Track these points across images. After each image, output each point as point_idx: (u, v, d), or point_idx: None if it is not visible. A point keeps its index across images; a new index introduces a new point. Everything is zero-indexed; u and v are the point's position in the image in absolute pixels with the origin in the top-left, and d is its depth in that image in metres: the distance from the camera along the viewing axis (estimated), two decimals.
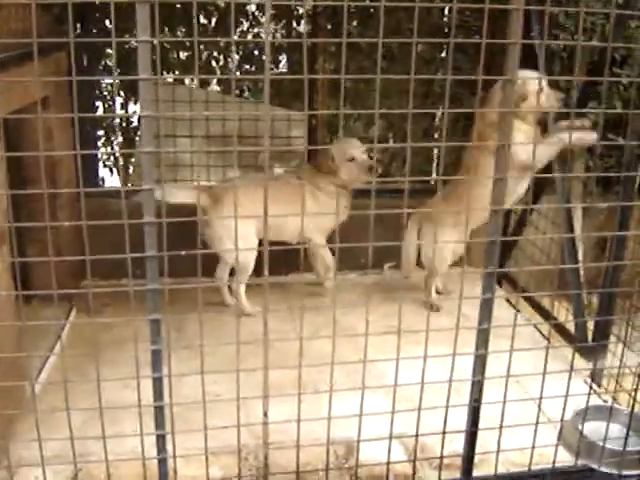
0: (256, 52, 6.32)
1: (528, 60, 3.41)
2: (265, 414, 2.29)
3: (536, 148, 3.81)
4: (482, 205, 2.73)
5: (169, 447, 2.30)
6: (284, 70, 6.69)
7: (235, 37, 6.04)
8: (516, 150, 3.15)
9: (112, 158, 6.79)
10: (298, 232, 4.49)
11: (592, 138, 4.09)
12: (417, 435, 2.56)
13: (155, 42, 1.82)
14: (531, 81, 4.00)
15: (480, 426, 2.56)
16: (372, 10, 5.75)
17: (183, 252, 1.82)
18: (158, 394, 2.14)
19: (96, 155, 6.00)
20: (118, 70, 4.51)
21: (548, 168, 4.25)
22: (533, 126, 4.21)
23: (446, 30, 5.82)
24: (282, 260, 2.08)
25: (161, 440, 2.24)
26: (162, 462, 2.31)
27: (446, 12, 5.85)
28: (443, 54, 5.92)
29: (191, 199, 4.17)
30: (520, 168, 3.87)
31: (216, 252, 4.53)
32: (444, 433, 2.54)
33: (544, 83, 4.07)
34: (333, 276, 4.90)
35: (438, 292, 4.97)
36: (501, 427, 2.56)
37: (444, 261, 4.73)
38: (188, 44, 6.10)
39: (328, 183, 4.72)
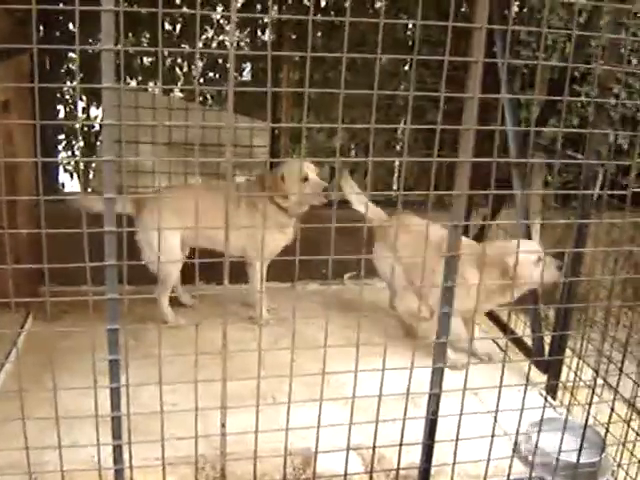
0: (220, 60, 6.32)
1: (489, 75, 3.43)
2: (223, 425, 2.28)
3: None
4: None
5: (126, 457, 2.28)
6: (248, 78, 6.70)
7: (200, 44, 6.04)
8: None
9: (72, 163, 6.72)
10: (232, 246, 4.32)
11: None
12: (374, 447, 2.57)
13: (120, 50, 1.81)
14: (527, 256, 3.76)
15: (437, 438, 2.58)
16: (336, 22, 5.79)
17: (143, 262, 1.81)
18: (115, 404, 2.12)
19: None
20: (81, 76, 4.47)
21: (507, 182, 4.30)
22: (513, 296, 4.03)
23: (410, 43, 5.87)
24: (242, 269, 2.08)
25: (118, 450, 2.22)
26: (119, 472, 2.29)
27: (410, 26, 5.92)
28: (406, 67, 5.97)
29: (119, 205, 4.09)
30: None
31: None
32: (401, 445, 2.56)
33: (542, 255, 3.84)
34: (258, 301, 4.55)
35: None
36: (457, 439, 2.58)
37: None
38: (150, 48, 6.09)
39: (269, 203, 4.52)
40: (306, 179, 4.42)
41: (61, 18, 5.56)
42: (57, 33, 5.64)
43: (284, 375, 2.30)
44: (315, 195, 4.37)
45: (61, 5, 5.24)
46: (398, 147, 6.23)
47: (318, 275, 5.06)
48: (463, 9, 5.53)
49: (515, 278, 3.58)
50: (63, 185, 6.07)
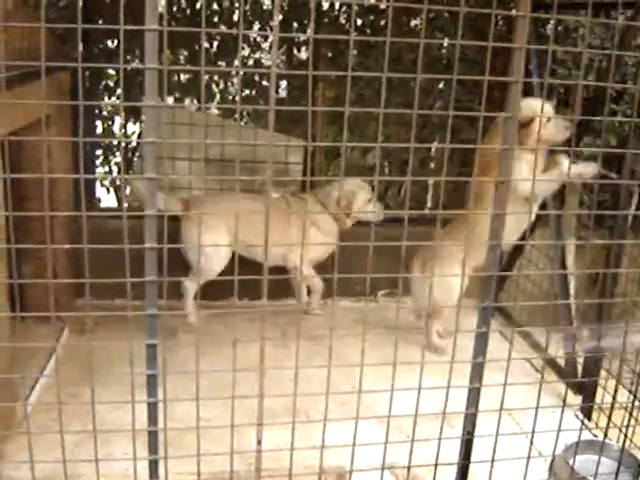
0: (257, 77, 6.37)
1: (524, 94, 3.42)
2: (259, 442, 2.28)
3: (539, 181, 3.83)
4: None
5: (161, 471, 2.30)
6: (283, 94, 6.73)
7: (237, 62, 6.09)
8: (518, 183, 3.18)
9: (112, 176, 6.81)
10: (275, 254, 4.60)
11: (592, 171, 4.06)
12: (409, 466, 2.56)
13: (164, 69, 1.84)
14: (538, 110, 3.89)
15: (472, 458, 2.56)
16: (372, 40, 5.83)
17: (183, 279, 1.83)
18: (153, 418, 2.13)
19: (93, 174, 6.02)
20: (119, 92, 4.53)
21: (543, 202, 4.28)
22: (537, 155, 4.13)
23: (445, 62, 5.87)
24: (277, 285, 2.09)
25: (153, 465, 2.24)
26: None
27: (445, 44, 5.92)
28: (441, 85, 5.97)
29: (166, 204, 4.47)
30: (524, 201, 3.84)
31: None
32: (436, 465, 2.54)
33: (552, 111, 4.07)
34: (317, 302, 4.98)
35: (439, 336, 4.79)
36: (493, 460, 2.56)
37: (451, 301, 4.44)
38: (190, 67, 6.16)
39: (327, 219, 4.81)
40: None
41: (100, 35, 5.65)
42: (96, 50, 5.74)
43: (319, 393, 2.30)
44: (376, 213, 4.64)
45: (100, 22, 5.32)
46: (432, 165, 6.22)
47: (351, 292, 5.06)
48: (499, 27, 5.53)
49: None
50: (100, 200, 6.14)
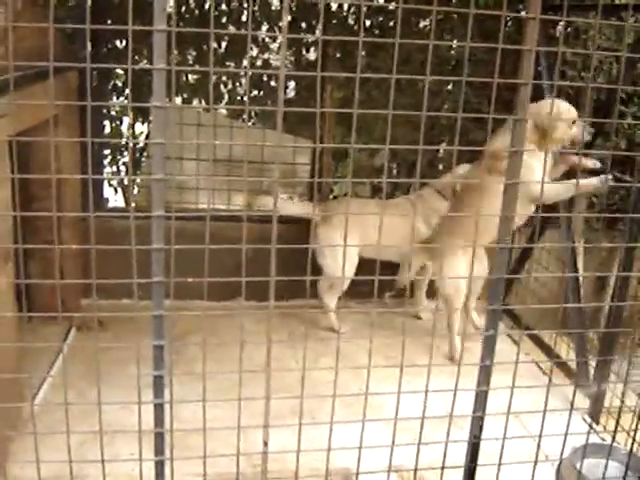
0: (265, 78, 6.36)
1: (534, 94, 3.40)
2: (265, 443, 2.28)
3: (552, 187, 3.82)
4: (489, 226, 2.71)
5: (167, 472, 2.29)
6: (292, 95, 6.72)
7: (245, 63, 6.09)
8: (530, 184, 3.19)
9: (120, 176, 6.81)
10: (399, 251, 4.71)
11: (599, 183, 3.95)
12: (416, 469, 2.55)
13: (172, 70, 1.83)
14: (565, 112, 3.97)
15: (478, 461, 2.55)
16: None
17: (190, 279, 1.82)
18: (159, 420, 2.13)
19: (101, 175, 6.03)
20: (128, 92, 4.53)
21: (552, 204, 4.26)
22: (552, 159, 4.14)
23: (453, 63, 5.85)
24: (285, 285, 2.08)
25: (159, 466, 2.23)
26: None
27: (454, 45, 5.90)
28: (449, 86, 5.95)
29: (304, 212, 4.76)
30: (531, 200, 3.84)
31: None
32: (443, 468, 2.53)
33: (575, 114, 4.04)
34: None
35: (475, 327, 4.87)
36: (500, 464, 2.55)
37: (459, 291, 4.50)
38: (198, 67, 6.15)
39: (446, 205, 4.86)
40: None
41: (108, 35, 5.66)
42: (104, 50, 5.74)
43: (326, 395, 2.29)
44: None
45: (109, 22, 5.32)
46: (440, 166, 6.20)
47: (358, 294, 5.06)
48: (507, 28, 5.52)
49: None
50: (107, 200, 6.15)
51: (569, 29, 5.35)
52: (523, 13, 4.24)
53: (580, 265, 5.52)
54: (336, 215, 4.69)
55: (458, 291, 4.50)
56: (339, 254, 4.68)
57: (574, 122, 4.03)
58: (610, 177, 3.87)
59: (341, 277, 4.71)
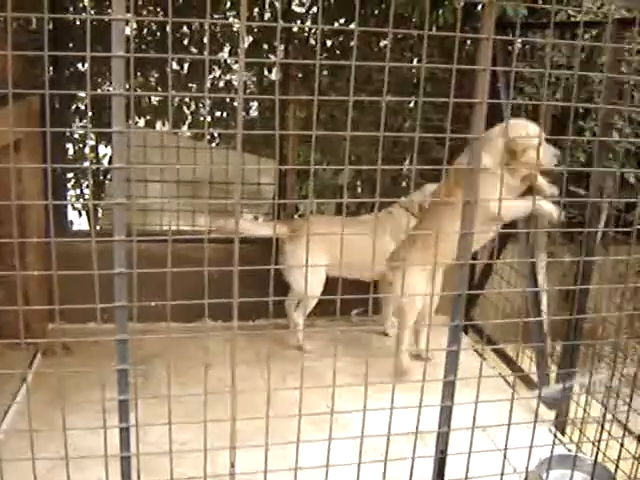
0: (227, 99, 6.39)
1: (492, 110, 3.44)
2: (232, 465, 2.28)
3: (511, 204, 3.85)
4: (451, 245, 2.71)
5: None
6: (255, 114, 6.75)
7: (207, 84, 6.11)
8: (489, 204, 3.20)
9: (80, 200, 6.77)
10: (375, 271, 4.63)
11: (554, 214, 4.01)
12: None
13: (131, 95, 1.84)
14: (533, 135, 3.91)
15: (446, 476, 2.57)
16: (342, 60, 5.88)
17: (153, 303, 1.83)
18: (125, 444, 2.12)
19: (65, 198, 5.99)
20: (90, 113, 4.53)
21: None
22: (517, 181, 4.08)
23: (415, 81, 5.92)
24: (251, 305, 2.09)
25: None
26: None
27: (412, 66, 5.97)
28: (411, 104, 6.02)
29: (269, 232, 4.71)
30: (490, 218, 3.81)
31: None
32: None
33: (543, 138, 3.93)
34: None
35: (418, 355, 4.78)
36: (467, 478, 2.57)
37: (414, 308, 4.49)
38: (160, 89, 6.15)
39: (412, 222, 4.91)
40: None
41: (70, 58, 5.64)
42: (67, 72, 5.73)
43: (293, 415, 2.30)
44: None
45: (71, 45, 5.31)
46: (404, 183, 6.26)
47: (325, 312, 5.08)
48: (467, 46, 5.60)
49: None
50: (72, 223, 6.11)
51: (527, 46, 5.45)
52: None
53: (541, 278, 5.59)
54: (303, 233, 4.69)
55: (412, 307, 4.51)
56: (310, 275, 4.65)
57: (540, 145, 3.93)
58: (563, 215, 3.93)
59: (309, 295, 4.73)
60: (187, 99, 6.50)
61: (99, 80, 5.94)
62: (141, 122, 6.38)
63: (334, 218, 5.54)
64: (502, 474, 2.66)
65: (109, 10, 5.10)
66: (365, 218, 5.24)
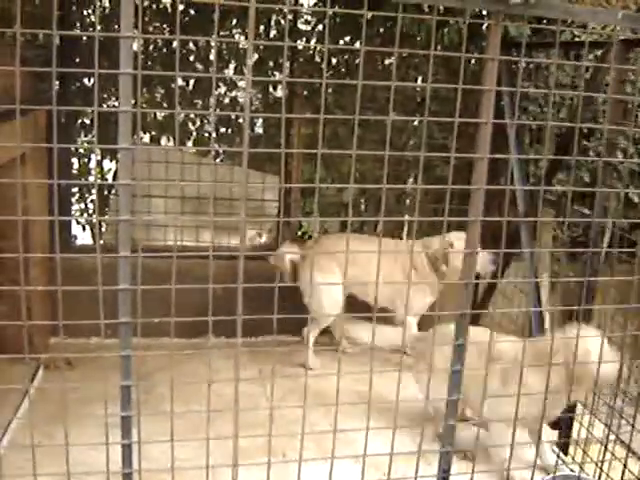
0: (233, 116, 6.40)
1: (496, 128, 3.43)
2: None
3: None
4: None
5: None
6: (260, 131, 6.76)
7: (213, 101, 6.11)
8: None
9: (85, 215, 6.78)
10: (383, 296, 4.43)
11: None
12: None
13: (137, 112, 1.85)
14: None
15: None
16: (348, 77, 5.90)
17: (156, 320, 1.83)
18: (127, 460, 2.12)
19: (69, 212, 5.99)
20: (96, 130, 4.54)
21: (516, 234, 4.32)
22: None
23: (419, 100, 5.94)
24: (255, 321, 2.09)
25: None
26: None
27: (417, 85, 5.98)
28: (415, 122, 6.03)
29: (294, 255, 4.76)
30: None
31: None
32: None
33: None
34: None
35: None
36: None
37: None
38: (166, 105, 6.16)
39: (426, 264, 4.80)
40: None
41: (77, 74, 5.66)
42: (73, 87, 5.75)
43: (295, 433, 2.29)
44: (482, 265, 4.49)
45: (78, 60, 5.33)
46: (408, 201, 6.26)
47: (328, 329, 5.07)
48: (472, 65, 5.61)
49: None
50: (76, 237, 6.11)
51: (531, 66, 5.47)
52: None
53: (544, 297, 5.58)
54: (316, 250, 4.73)
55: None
56: (322, 293, 4.66)
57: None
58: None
59: (325, 315, 4.71)
60: (192, 115, 6.51)
61: (104, 95, 5.96)
62: (146, 137, 6.38)
63: (351, 235, 5.38)
64: None
65: (116, 26, 5.14)
66: (395, 242, 5.18)
